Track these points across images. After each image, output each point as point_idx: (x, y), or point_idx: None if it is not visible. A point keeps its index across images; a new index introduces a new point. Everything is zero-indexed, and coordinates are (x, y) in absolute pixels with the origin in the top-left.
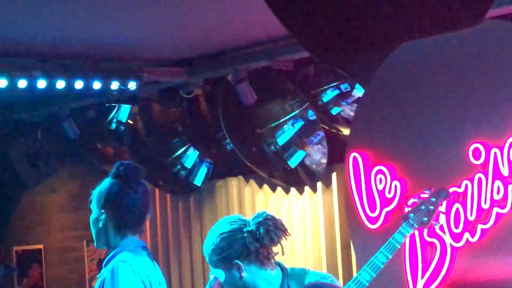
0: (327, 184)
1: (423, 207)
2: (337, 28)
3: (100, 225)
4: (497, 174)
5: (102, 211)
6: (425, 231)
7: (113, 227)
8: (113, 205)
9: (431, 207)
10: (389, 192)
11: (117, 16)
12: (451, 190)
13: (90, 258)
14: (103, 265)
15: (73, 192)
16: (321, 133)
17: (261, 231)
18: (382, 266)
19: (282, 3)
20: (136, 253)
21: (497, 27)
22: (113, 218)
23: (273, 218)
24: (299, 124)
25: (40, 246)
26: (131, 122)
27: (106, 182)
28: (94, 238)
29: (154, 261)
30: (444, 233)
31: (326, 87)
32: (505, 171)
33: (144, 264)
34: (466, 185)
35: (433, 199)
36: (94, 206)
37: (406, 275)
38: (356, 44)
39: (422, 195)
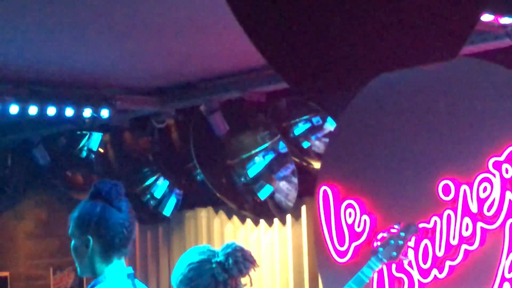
0: (297, 217)
1: (392, 241)
2: (314, 59)
3: (86, 253)
4: (466, 211)
5: (87, 237)
6: (394, 266)
7: (99, 252)
8: (98, 228)
9: (400, 242)
10: (358, 226)
11: (90, 43)
12: (420, 225)
13: (56, 286)
14: None
15: (41, 219)
16: (292, 166)
17: (230, 262)
18: None
19: (260, 32)
20: (118, 285)
21: (468, 65)
22: (99, 243)
23: (242, 249)
24: (270, 156)
25: (6, 274)
26: (102, 150)
27: (86, 204)
28: (77, 267)
29: None
30: (412, 268)
31: (298, 120)
32: (474, 208)
33: None
34: (435, 221)
35: (403, 234)
36: (74, 234)
37: None
38: (331, 77)
39: (392, 230)
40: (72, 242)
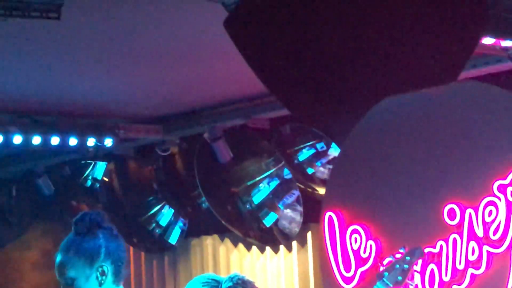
0: (302, 243)
1: (397, 265)
2: (315, 86)
3: (100, 283)
4: (472, 235)
5: (101, 265)
6: None
7: (112, 277)
8: (111, 254)
9: (406, 266)
10: (364, 252)
11: (93, 73)
12: (426, 250)
13: None
14: None
15: (47, 249)
16: (297, 192)
17: None
18: None
19: (261, 61)
20: None
21: (472, 88)
22: (112, 269)
23: (243, 282)
24: (275, 183)
25: None
26: (106, 179)
27: (83, 239)
28: None
29: None
30: None
31: (302, 146)
32: (480, 232)
33: None
34: (441, 245)
35: (408, 258)
36: (84, 271)
37: None
38: (334, 103)
39: (397, 254)
40: (81, 282)
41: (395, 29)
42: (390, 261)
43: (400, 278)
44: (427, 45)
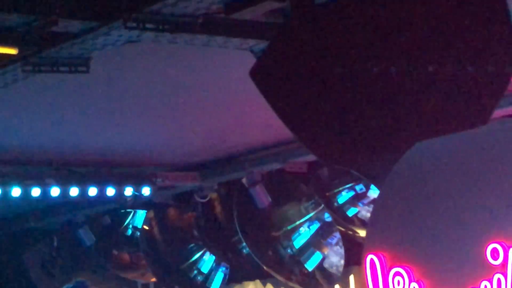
0: (345, 286)
1: None
2: (347, 132)
3: None
4: None
5: None
6: None
7: None
8: None
9: None
10: None
11: (129, 122)
12: None
13: None
14: None
15: None
16: (338, 235)
17: None
18: None
19: (289, 111)
20: None
21: (509, 126)
22: None
23: None
24: (315, 226)
25: None
26: (146, 227)
27: None
28: None
29: None
30: None
31: (341, 188)
32: None
33: None
34: (485, 286)
35: None
36: None
37: None
38: (369, 146)
39: None
40: None
41: (425, 73)
42: None
43: None
44: (457, 90)
